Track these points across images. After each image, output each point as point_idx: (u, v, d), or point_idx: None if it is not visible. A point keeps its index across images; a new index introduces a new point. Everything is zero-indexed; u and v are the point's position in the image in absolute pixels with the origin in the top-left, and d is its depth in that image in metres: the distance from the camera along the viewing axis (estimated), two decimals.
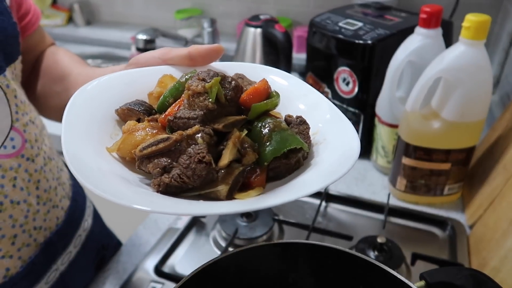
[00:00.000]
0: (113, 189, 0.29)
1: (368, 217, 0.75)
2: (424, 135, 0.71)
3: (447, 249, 0.68)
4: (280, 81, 0.41)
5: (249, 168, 0.32)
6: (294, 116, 0.36)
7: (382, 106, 0.81)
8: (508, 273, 0.53)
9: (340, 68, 0.85)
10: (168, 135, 0.31)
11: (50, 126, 0.61)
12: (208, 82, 0.33)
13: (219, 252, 0.67)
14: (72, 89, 0.51)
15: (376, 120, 0.84)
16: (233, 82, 0.35)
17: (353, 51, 0.81)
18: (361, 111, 0.87)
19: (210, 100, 0.33)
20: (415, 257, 0.63)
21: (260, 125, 0.34)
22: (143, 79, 0.40)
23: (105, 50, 1.56)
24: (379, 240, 0.62)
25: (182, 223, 0.73)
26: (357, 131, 0.88)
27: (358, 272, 0.42)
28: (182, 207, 0.29)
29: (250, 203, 0.30)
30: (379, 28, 0.81)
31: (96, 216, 0.70)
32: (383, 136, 0.83)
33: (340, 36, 0.83)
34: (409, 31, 0.76)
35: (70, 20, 1.68)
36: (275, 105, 0.36)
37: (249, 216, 0.69)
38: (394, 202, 0.78)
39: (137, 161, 0.32)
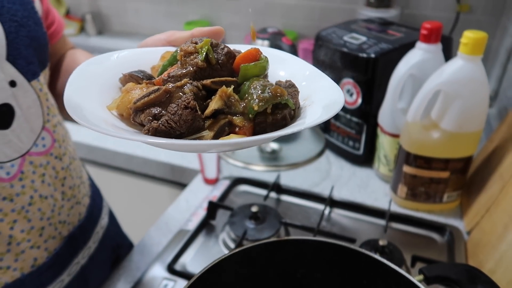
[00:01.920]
0: (103, 125, 0.31)
1: (370, 222, 0.78)
2: (424, 144, 0.75)
3: (445, 253, 0.71)
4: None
5: (235, 118, 0.34)
6: (284, 81, 0.38)
7: (385, 116, 0.85)
8: (502, 274, 0.57)
9: (344, 80, 0.89)
10: (158, 87, 0.34)
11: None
12: (199, 44, 0.36)
13: None
14: None
15: (379, 130, 0.88)
16: (225, 49, 0.37)
17: (357, 64, 0.85)
18: (364, 121, 0.90)
19: (199, 58, 0.35)
20: (415, 259, 0.66)
21: (247, 84, 0.36)
22: (148, 57, 0.43)
23: None
24: (381, 243, 0.65)
25: (192, 225, 0.76)
26: (360, 140, 0.92)
27: (362, 267, 0.45)
28: (165, 140, 0.31)
29: (230, 140, 0.32)
30: (382, 43, 0.85)
31: (112, 216, 0.74)
32: (385, 145, 0.87)
33: (345, 49, 0.87)
34: (410, 45, 0.80)
35: (82, 29, 1.73)
36: (263, 68, 0.37)
37: (257, 219, 0.73)
38: (395, 208, 0.82)
39: (132, 113, 0.34)
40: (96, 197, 0.67)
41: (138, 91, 0.36)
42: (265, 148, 0.99)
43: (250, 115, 0.34)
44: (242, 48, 0.41)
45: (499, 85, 1.11)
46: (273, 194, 0.85)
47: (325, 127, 1.01)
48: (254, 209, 0.73)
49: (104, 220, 0.68)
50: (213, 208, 0.77)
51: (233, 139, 0.32)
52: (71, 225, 0.57)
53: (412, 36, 0.87)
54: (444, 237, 0.74)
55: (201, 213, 0.79)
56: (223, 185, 0.87)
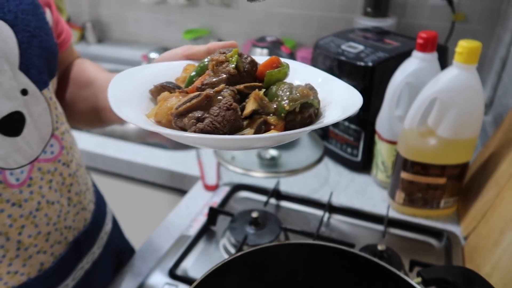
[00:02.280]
0: (148, 123, 0.35)
1: (369, 227, 0.79)
2: (421, 151, 0.76)
3: (443, 258, 0.72)
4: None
5: (269, 117, 0.37)
6: (304, 84, 0.42)
7: (382, 124, 0.86)
8: (499, 277, 0.58)
9: None
10: (199, 92, 0.37)
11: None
12: (228, 54, 0.40)
13: None
14: (100, 92, 0.57)
15: (376, 137, 0.89)
16: (248, 58, 0.41)
17: (355, 73, 0.87)
18: (362, 128, 0.92)
19: (231, 66, 0.39)
20: (413, 264, 0.67)
21: (274, 87, 0.39)
22: (171, 70, 0.46)
23: (116, 67, 1.62)
24: (380, 247, 0.66)
25: (193, 231, 0.77)
26: (358, 147, 0.94)
27: (361, 270, 0.46)
28: (218, 136, 0.35)
29: (274, 134, 0.36)
30: (379, 51, 0.87)
31: (115, 222, 0.75)
32: (382, 152, 0.88)
33: (343, 58, 0.88)
34: (407, 54, 0.82)
35: (82, 37, 1.75)
36: (285, 73, 0.42)
37: (257, 224, 0.74)
38: (393, 214, 0.83)
39: (174, 118, 0.37)
40: (100, 203, 0.68)
41: (174, 99, 0.39)
42: (264, 155, 1.00)
43: (282, 114, 0.37)
44: (258, 59, 0.45)
45: (494, 93, 1.13)
46: (272, 200, 0.86)
47: (324, 134, 1.02)
48: (254, 214, 0.74)
49: (108, 226, 0.69)
50: (213, 214, 0.78)
51: (276, 133, 0.36)
52: (76, 231, 0.58)
53: (408, 45, 0.89)
54: (442, 242, 0.75)
55: (202, 219, 0.80)
56: (223, 191, 0.88)
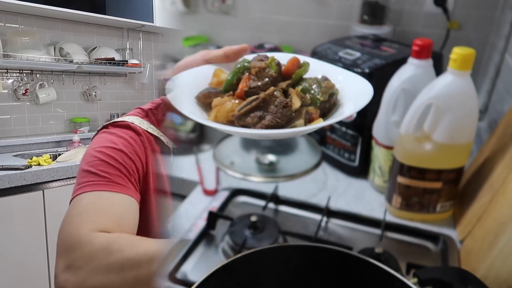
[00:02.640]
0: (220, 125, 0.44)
1: (366, 231, 0.80)
2: (417, 156, 0.77)
3: (439, 261, 0.73)
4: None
5: (309, 108, 0.46)
6: (320, 76, 0.50)
7: (379, 129, 0.88)
8: (494, 279, 0.59)
9: None
10: (256, 96, 0.45)
11: None
12: (266, 61, 0.48)
13: None
14: None
15: (373, 142, 0.90)
16: (276, 60, 0.49)
17: None
18: (359, 134, 0.93)
19: (273, 71, 0.47)
20: (410, 267, 0.68)
21: (304, 83, 0.48)
22: (203, 75, 0.53)
23: None
24: (377, 250, 0.67)
25: (193, 235, 0.78)
26: (355, 152, 0.95)
27: (359, 271, 0.47)
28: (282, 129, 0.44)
29: (321, 123, 0.44)
30: (376, 58, 0.89)
31: None
32: (379, 157, 0.89)
33: (340, 64, 0.90)
34: (402, 61, 0.83)
35: None
36: (307, 70, 0.50)
37: (256, 228, 0.74)
38: (390, 218, 0.84)
39: (236, 118, 0.44)
40: None
41: (229, 103, 0.47)
42: (263, 160, 1.01)
43: (318, 104, 0.46)
44: (276, 56, 0.52)
45: (488, 99, 1.15)
46: (271, 205, 0.87)
47: (321, 139, 1.03)
48: (253, 219, 0.75)
49: None
50: (213, 218, 0.79)
51: (323, 122, 0.45)
52: None
53: (404, 52, 0.90)
54: (438, 246, 0.76)
55: (201, 223, 0.81)
56: (222, 196, 0.89)
